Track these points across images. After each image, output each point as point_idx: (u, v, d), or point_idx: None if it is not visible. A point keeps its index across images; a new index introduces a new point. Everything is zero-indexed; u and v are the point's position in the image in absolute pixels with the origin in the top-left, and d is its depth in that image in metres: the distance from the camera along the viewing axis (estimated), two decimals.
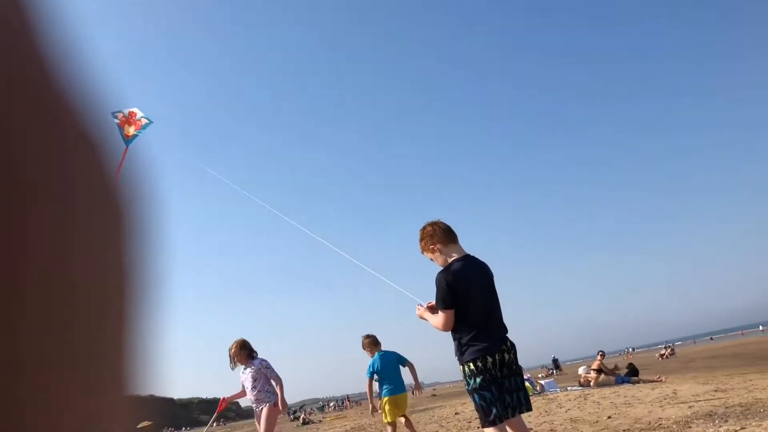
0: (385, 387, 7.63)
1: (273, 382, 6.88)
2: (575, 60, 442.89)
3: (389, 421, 7.67)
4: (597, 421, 7.80)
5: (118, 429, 0.29)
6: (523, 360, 3.71)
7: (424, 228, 3.91)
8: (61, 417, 0.25)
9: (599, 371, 16.42)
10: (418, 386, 8.40)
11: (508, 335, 3.67)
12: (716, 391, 9.41)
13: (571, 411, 9.84)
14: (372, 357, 7.75)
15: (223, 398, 7.55)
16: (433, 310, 3.76)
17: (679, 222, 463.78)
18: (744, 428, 5.50)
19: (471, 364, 3.49)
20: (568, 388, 16.74)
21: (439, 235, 3.80)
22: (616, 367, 17.92)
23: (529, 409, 3.60)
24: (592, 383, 15.89)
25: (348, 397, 70.66)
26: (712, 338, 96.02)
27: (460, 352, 3.57)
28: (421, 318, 3.88)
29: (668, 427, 6.33)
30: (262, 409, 6.74)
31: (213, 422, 8.65)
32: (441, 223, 3.89)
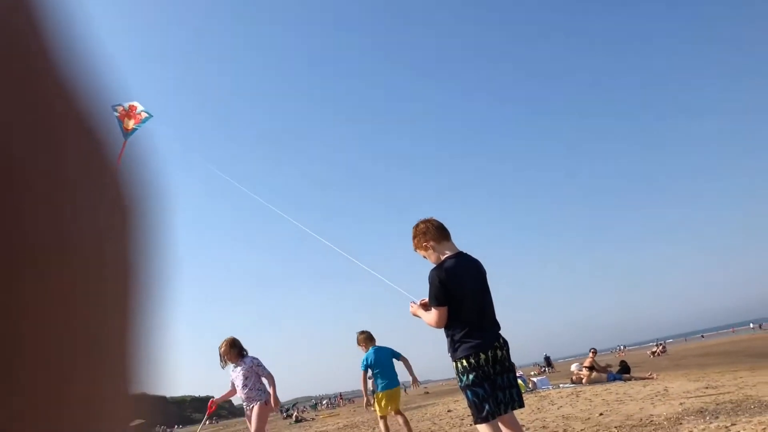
0: (379, 381, 7.68)
1: (265, 380, 6.85)
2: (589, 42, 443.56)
3: (381, 414, 7.73)
4: (589, 418, 7.83)
5: (119, 427, 0.29)
6: (515, 358, 3.71)
7: (417, 225, 3.91)
8: (63, 414, 0.25)
9: (591, 368, 16.47)
10: (416, 379, 8.45)
11: (501, 332, 3.68)
12: (707, 388, 9.46)
13: (563, 408, 9.88)
14: (366, 352, 7.79)
15: (212, 400, 7.51)
16: (426, 307, 3.76)
17: (672, 221, 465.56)
18: (734, 425, 5.53)
19: (464, 361, 3.49)
20: (561, 385, 16.79)
21: (432, 232, 3.81)
22: (608, 365, 17.99)
23: (521, 405, 3.61)
24: (584, 380, 15.95)
25: (341, 395, 70.62)
26: (703, 336, 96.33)
27: (453, 348, 3.58)
28: (415, 315, 3.88)
29: (659, 423, 6.36)
30: (253, 407, 6.69)
31: (205, 421, 8.60)
32: (434, 220, 3.89)
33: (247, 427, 6.89)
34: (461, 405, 14.10)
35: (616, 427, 6.60)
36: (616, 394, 10.91)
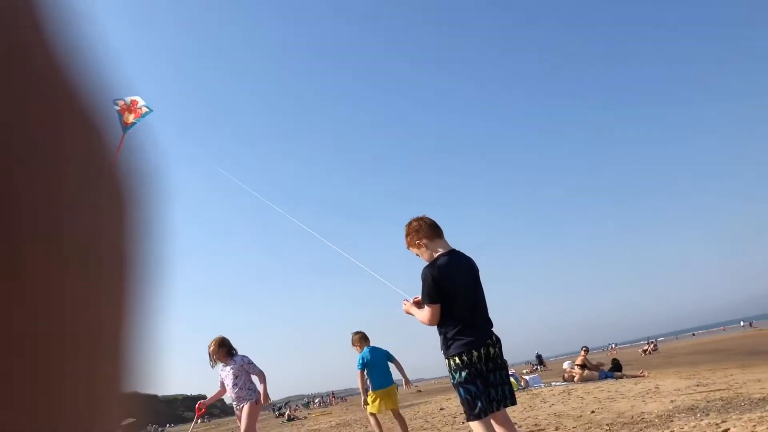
0: (374, 380, 7.72)
1: (256, 378, 6.84)
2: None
3: (373, 412, 7.76)
4: (581, 416, 7.86)
5: (113, 425, 0.28)
6: (506, 356, 3.72)
7: (409, 223, 3.91)
8: (57, 412, 0.24)
9: (583, 366, 16.53)
10: (408, 381, 8.52)
11: (494, 329, 3.69)
12: (698, 385, 9.52)
13: (555, 406, 9.91)
14: (361, 352, 7.83)
15: (200, 402, 7.47)
16: (419, 305, 3.76)
17: (663, 221, 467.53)
18: (725, 422, 5.56)
19: (456, 358, 3.50)
20: (552, 383, 16.84)
21: (425, 230, 3.81)
22: (599, 363, 18.06)
23: (513, 402, 3.61)
24: (576, 378, 16.00)
25: (333, 393, 70.66)
26: (694, 334, 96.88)
27: (446, 346, 3.58)
28: (408, 313, 3.88)
29: (651, 421, 6.39)
30: (243, 406, 6.67)
31: (196, 421, 8.55)
32: (427, 218, 3.89)
33: (238, 426, 6.87)
34: (453, 403, 14.13)
35: (607, 425, 6.63)
36: (608, 391, 10.96)
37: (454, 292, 3.57)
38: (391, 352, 8.01)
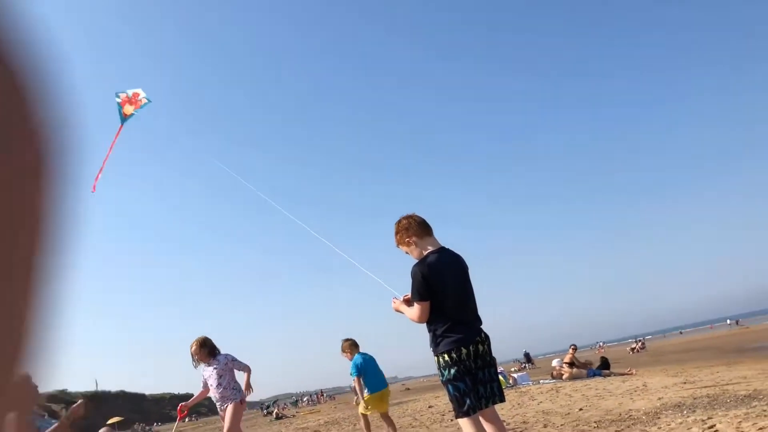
0: (372, 384, 7.81)
1: (241, 372, 6.78)
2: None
3: (366, 413, 7.80)
4: (569, 413, 7.89)
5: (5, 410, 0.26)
6: (494, 354, 3.72)
7: (399, 221, 3.91)
8: None
9: (571, 364, 16.61)
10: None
11: (483, 327, 3.69)
12: (685, 383, 9.60)
13: (543, 403, 9.95)
14: (351, 359, 7.87)
15: (182, 405, 7.40)
16: (409, 302, 3.76)
17: (651, 220, 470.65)
18: (711, 418, 5.61)
19: (446, 356, 3.50)
20: (541, 381, 16.91)
21: (414, 228, 3.81)
22: (588, 361, 18.15)
23: (502, 400, 3.62)
24: (564, 376, 16.07)
25: (322, 392, 70.52)
26: (681, 332, 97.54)
27: (435, 343, 3.58)
28: (397, 311, 3.88)
29: (638, 418, 6.43)
30: (227, 406, 6.61)
31: (178, 422, 8.50)
32: (416, 216, 3.89)
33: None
34: (442, 401, 14.16)
35: (595, 422, 6.67)
36: (596, 389, 11.02)
37: (443, 290, 3.57)
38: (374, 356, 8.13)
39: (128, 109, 8.85)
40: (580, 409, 8.08)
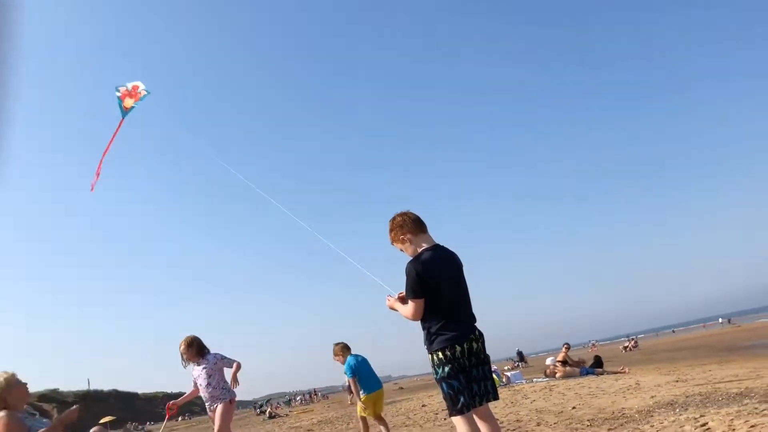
0: (367, 385, 7.83)
1: (231, 367, 6.69)
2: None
3: (365, 415, 7.80)
4: (562, 412, 7.91)
5: None
6: (488, 352, 3.72)
7: (393, 219, 3.89)
8: None
9: (564, 363, 16.64)
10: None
11: (477, 324, 3.69)
12: (677, 381, 9.63)
13: (536, 402, 9.97)
14: (344, 362, 7.86)
15: (171, 403, 7.32)
16: (403, 300, 3.75)
17: (643, 219, 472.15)
18: (703, 416, 5.63)
19: (440, 353, 3.49)
20: (534, 379, 16.93)
21: (409, 225, 3.79)
22: (581, 360, 18.19)
23: (496, 398, 3.62)
24: (557, 375, 16.10)
25: (315, 391, 70.36)
26: (674, 331, 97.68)
27: (429, 341, 3.57)
28: (391, 309, 3.86)
29: (631, 416, 6.45)
30: (216, 406, 6.54)
31: (165, 423, 8.44)
32: (411, 213, 3.88)
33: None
34: (435, 400, 14.17)
35: (588, 420, 6.68)
36: (589, 388, 11.04)
37: (437, 287, 3.56)
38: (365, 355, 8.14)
39: (128, 102, 8.84)
40: (573, 408, 8.09)
